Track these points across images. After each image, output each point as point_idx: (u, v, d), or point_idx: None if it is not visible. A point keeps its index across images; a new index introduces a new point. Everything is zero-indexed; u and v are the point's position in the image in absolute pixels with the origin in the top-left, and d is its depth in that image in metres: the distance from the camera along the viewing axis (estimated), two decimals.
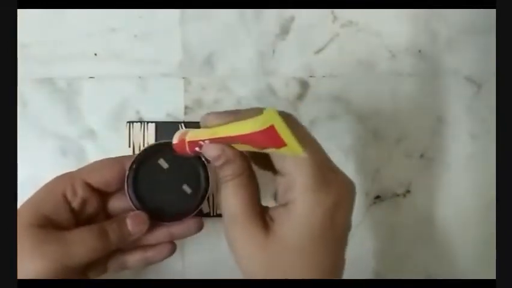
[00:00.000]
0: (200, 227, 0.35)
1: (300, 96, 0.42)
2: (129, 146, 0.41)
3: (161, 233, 0.34)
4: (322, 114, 0.42)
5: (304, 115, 0.42)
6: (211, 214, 0.40)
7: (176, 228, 0.34)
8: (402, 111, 0.43)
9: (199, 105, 0.42)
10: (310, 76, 0.42)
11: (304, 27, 0.42)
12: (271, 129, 0.25)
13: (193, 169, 0.33)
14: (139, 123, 0.41)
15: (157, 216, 0.33)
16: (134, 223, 0.32)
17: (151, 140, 0.41)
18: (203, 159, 0.33)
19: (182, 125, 0.41)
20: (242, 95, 0.42)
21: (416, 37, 0.43)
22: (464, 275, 0.42)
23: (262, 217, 0.28)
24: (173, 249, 0.35)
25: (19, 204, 0.38)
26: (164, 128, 0.41)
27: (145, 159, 0.33)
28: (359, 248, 0.41)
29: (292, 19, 0.42)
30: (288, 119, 0.27)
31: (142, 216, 0.33)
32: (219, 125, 0.29)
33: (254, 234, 0.28)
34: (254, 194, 0.29)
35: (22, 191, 0.40)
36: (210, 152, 0.29)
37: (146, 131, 0.41)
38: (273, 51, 0.42)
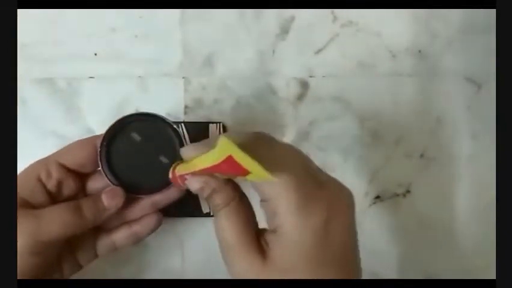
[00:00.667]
0: (182, 192, 0.34)
1: (300, 96, 0.42)
2: None
3: (144, 204, 0.34)
4: (322, 114, 0.42)
5: (304, 115, 0.42)
6: (211, 214, 0.40)
7: (158, 197, 0.33)
8: (402, 111, 0.43)
9: (199, 105, 0.42)
10: (310, 76, 0.42)
11: (304, 27, 0.42)
12: (230, 159, 0.24)
13: (167, 138, 0.32)
14: None
15: (137, 190, 0.33)
16: (108, 197, 0.32)
17: None
18: (174, 126, 0.33)
19: (183, 125, 0.41)
20: (242, 94, 0.42)
21: (416, 37, 0.43)
22: (464, 275, 0.42)
23: (258, 242, 0.28)
24: (159, 220, 0.35)
25: None
26: None
27: (115, 134, 0.32)
28: (359, 248, 0.41)
29: (292, 19, 0.42)
30: (257, 142, 0.26)
31: (117, 190, 0.32)
32: (194, 157, 0.28)
33: (251, 261, 0.27)
34: (248, 219, 0.29)
35: None
36: (193, 186, 0.29)
37: None
38: (273, 51, 0.42)
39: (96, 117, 0.41)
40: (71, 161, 0.33)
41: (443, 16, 0.43)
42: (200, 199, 0.40)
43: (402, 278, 0.42)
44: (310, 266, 0.27)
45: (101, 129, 0.41)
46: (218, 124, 0.41)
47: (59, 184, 0.32)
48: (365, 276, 0.42)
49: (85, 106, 0.41)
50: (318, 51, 0.43)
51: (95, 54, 0.41)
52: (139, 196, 0.33)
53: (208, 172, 0.27)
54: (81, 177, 0.34)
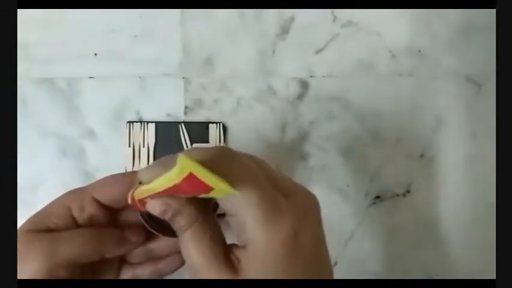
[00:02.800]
0: None
1: (300, 96, 0.42)
2: (129, 146, 0.41)
3: (172, 243, 0.33)
4: (322, 114, 0.42)
5: (304, 115, 0.42)
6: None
7: None
8: (402, 111, 0.43)
9: (199, 105, 0.42)
10: (310, 76, 0.42)
11: (304, 27, 0.42)
12: (191, 177, 0.23)
13: None
14: (139, 123, 0.41)
15: (169, 232, 0.32)
16: (133, 232, 0.32)
17: (151, 140, 0.41)
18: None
19: (183, 125, 0.41)
20: (242, 95, 0.42)
21: (416, 37, 0.43)
22: (464, 275, 0.42)
23: (228, 259, 0.27)
24: (183, 260, 0.35)
25: (21, 207, 0.38)
26: (164, 128, 0.41)
27: None
28: (359, 248, 0.41)
29: (292, 19, 0.42)
30: (218, 157, 0.26)
31: (142, 229, 0.32)
32: (151, 180, 0.27)
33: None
34: (214, 238, 0.28)
35: (22, 191, 0.40)
36: (154, 209, 0.28)
37: (146, 131, 0.41)
38: (273, 51, 0.42)
39: (96, 117, 0.41)
40: (105, 197, 0.32)
41: (443, 16, 0.43)
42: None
43: (402, 278, 0.42)
44: (283, 277, 0.26)
45: (101, 129, 0.41)
46: (218, 124, 0.41)
47: (91, 218, 0.32)
48: (365, 276, 0.42)
49: (85, 106, 0.41)
50: (318, 51, 0.42)
51: (95, 54, 0.41)
52: (170, 238, 0.33)
53: (169, 193, 0.27)
54: (113, 210, 0.33)
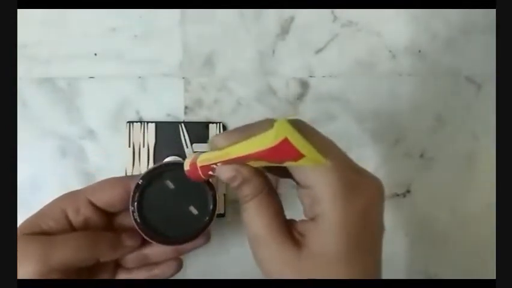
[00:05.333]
0: (207, 240, 0.34)
1: (300, 96, 0.42)
2: (129, 146, 0.41)
3: (167, 249, 0.34)
4: (322, 114, 0.42)
5: (304, 115, 0.42)
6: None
7: (182, 245, 0.33)
8: (402, 111, 0.43)
9: (199, 105, 0.42)
10: (310, 76, 0.42)
11: (304, 27, 0.42)
12: (285, 142, 0.24)
13: (200, 190, 0.32)
14: (139, 123, 0.41)
15: (162, 240, 0.32)
16: (129, 236, 0.32)
17: (151, 139, 0.41)
18: (210, 180, 0.32)
19: (183, 125, 0.41)
20: (242, 95, 0.42)
21: (416, 37, 0.43)
22: (464, 275, 0.42)
23: (291, 233, 0.27)
24: (179, 266, 0.34)
25: (21, 207, 0.38)
26: (164, 128, 0.41)
27: (151, 180, 0.32)
28: None
29: (292, 19, 0.42)
30: (302, 126, 0.26)
31: (138, 233, 0.32)
32: (230, 145, 0.27)
33: (285, 253, 0.27)
34: (278, 211, 0.28)
35: (22, 190, 0.40)
36: (224, 174, 0.28)
37: (146, 131, 0.41)
38: (273, 51, 0.42)
39: (96, 117, 0.41)
40: (101, 200, 0.32)
41: (443, 16, 0.43)
42: None
43: (402, 278, 0.42)
44: (350, 254, 0.26)
45: (101, 129, 0.41)
46: (218, 124, 0.41)
47: (86, 220, 0.32)
48: None
49: (85, 106, 0.41)
50: (318, 51, 0.43)
51: (95, 54, 0.41)
52: (165, 245, 0.33)
53: (242, 161, 0.27)
54: (108, 214, 0.33)
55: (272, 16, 0.42)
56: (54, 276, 0.29)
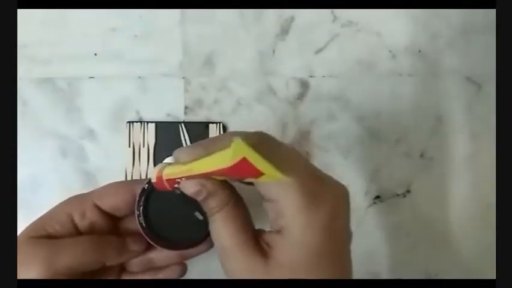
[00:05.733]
0: (211, 245, 0.33)
1: (300, 96, 0.42)
2: (129, 146, 0.41)
3: (172, 254, 0.34)
4: (322, 114, 0.42)
5: (304, 115, 0.42)
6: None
7: (187, 250, 0.33)
8: (402, 111, 0.43)
9: (199, 105, 0.42)
10: (310, 76, 0.42)
11: (304, 27, 0.42)
12: (244, 161, 0.23)
13: None
14: (139, 123, 0.41)
15: (168, 244, 0.32)
16: (134, 241, 0.32)
17: (151, 140, 0.41)
18: None
19: (183, 125, 0.41)
20: (242, 95, 0.42)
21: (416, 37, 0.43)
22: (464, 275, 0.42)
23: (258, 244, 0.28)
24: (184, 271, 0.34)
25: (21, 207, 0.38)
26: (164, 128, 0.41)
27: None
28: (359, 248, 0.41)
29: (292, 19, 0.42)
30: (265, 139, 0.26)
31: (143, 238, 0.32)
32: (192, 161, 0.27)
33: (252, 264, 0.27)
34: (245, 222, 0.28)
35: (22, 190, 0.40)
36: (188, 189, 0.28)
37: (146, 131, 0.41)
38: (273, 51, 0.42)
39: (96, 117, 0.41)
40: (107, 204, 0.32)
41: (443, 16, 0.43)
42: None
43: (402, 278, 0.42)
44: (316, 263, 0.27)
45: (101, 129, 0.41)
46: (218, 124, 0.41)
47: (91, 224, 0.32)
48: (365, 276, 0.42)
49: (85, 106, 0.41)
50: (318, 51, 0.42)
51: (95, 54, 0.41)
52: (170, 250, 0.33)
53: (204, 177, 0.27)
54: (113, 218, 0.33)
55: (272, 16, 0.42)
56: (57, 277, 0.29)
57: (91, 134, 0.41)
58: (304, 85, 0.42)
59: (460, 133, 0.43)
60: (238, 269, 0.28)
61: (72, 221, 0.31)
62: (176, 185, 0.29)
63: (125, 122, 0.41)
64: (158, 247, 0.32)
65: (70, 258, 0.30)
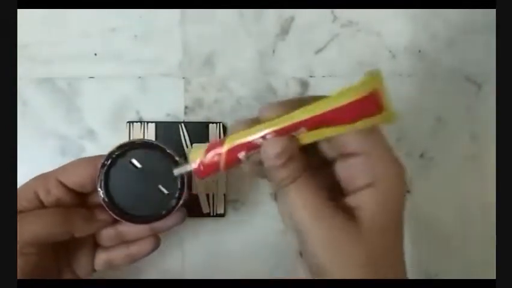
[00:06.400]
0: (183, 219, 0.34)
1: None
2: None
3: (142, 227, 0.34)
4: None
5: None
6: (211, 214, 0.40)
7: (156, 223, 0.33)
8: (402, 111, 0.42)
9: (199, 105, 0.42)
10: (310, 76, 0.42)
11: (304, 27, 0.42)
12: (374, 94, 0.23)
13: (168, 169, 0.32)
14: (139, 123, 0.41)
15: (130, 218, 0.32)
16: (102, 210, 0.32)
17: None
18: (176, 158, 0.32)
19: (183, 125, 0.41)
20: (242, 95, 0.42)
21: (416, 37, 0.43)
22: (464, 275, 0.42)
23: (343, 210, 0.26)
24: (156, 243, 0.34)
25: None
26: (164, 128, 0.41)
27: (116, 158, 0.32)
28: None
29: (292, 19, 0.42)
30: None
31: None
32: (289, 111, 0.25)
33: (346, 229, 0.25)
34: (323, 189, 0.26)
35: None
36: (274, 147, 0.25)
37: (146, 131, 0.41)
38: (273, 51, 0.42)
39: (96, 117, 0.41)
40: (70, 181, 0.32)
41: (443, 16, 0.43)
42: (200, 199, 0.40)
43: (402, 278, 0.42)
44: (400, 223, 0.26)
45: (101, 129, 0.41)
46: (218, 124, 0.41)
47: (58, 201, 0.32)
48: None
49: (85, 106, 0.41)
50: (318, 51, 0.42)
51: (95, 54, 0.41)
52: (134, 224, 0.33)
53: (293, 130, 0.25)
54: (80, 194, 0.33)
55: (272, 16, 0.42)
56: (28, 249, 0.30)
57: (91, 134, 0.41)
58: (304, 85, 0.42)
59: (459, 133, 0.43)
60: (327, 241, 0.25)
61: (38, 198, 0.32)
62: (242, 154, 0.26)
63: (125, 122, 0.41)
64: (122, 221, 0.32)
65: (37, 228, 0.30)
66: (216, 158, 0.27)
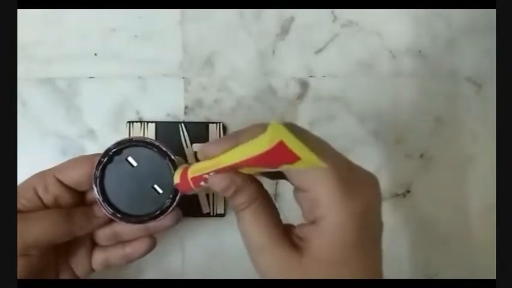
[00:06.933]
0: (177, 220, 0.33)
1: (300, 96, 0.42)
2: None
3: (137, 227, 0.34)
4: (322, 114, 0.42)
5: (304, 115, 0.42)
6: (211, 214, 0.40)
7: (151, 223, 0.33)
8: (402, 111, 0.43)
9: (199, 105, 0.42)
10: (310, 76, 0.42)
11: (304, 27, 0.42)
12: (281, 145, 0.23)
13: (164, 169, 0.31)
14: (139, 123, 0.41)
15: (124, 218, 0.32)
16: (99, 207, 0.32)
17: None
18: (173, 157, 0.32)
19: (183, 125, 0.41)
20: (242, 95, 0.42)
21: (416, 37, 0.43)
22: (464, 275, 0.42)
23: (290, 238, 0.27)
24: (151, 244, 0.34)
25: None
26: (164, 128, 0.41)
27: (112, 156, 0.32)
28: None
29: (292, 19, 0.42)
30: (294, 128, 0.25)
31: None
32: (221, 153, 0.27)
33: (288, 261, 0.26)
34: (275, 217, 0.28)
35: None
36: (218, 184, 0.27)
37: (146, 131, 0.41)
38: (273, 51, 0.42)
39: (96, 117, 0.41)
40: (67, 178, 0.32)
41: (443, 16, 0.43)
42: (200, 199, 0.40)
43: (402, 278, 0.42)
44: (353, 256, 0.26)
45: (101, 129, 0.41)
46: (218, 124, 0.41)
47: (56, 198, 0.32)
48: None
49: (85, 106, 0.41)
50: (318, 51, 0.42)
51: (95, 54, 0.41)
52: (127, 223, 0.33)
53: (235, 168, 0.26)
54: (78, 192, 0.33)
55: (272, 16, 0.42)
56: (31, 252, 0.30)
57: (91, 134, 0.41)
58: (304, 85, 0.42)
59: (460, 133, 0.43)
60: (273, 267, 0.27)
61: (37, 194, 0.32)
62: (202, 183, 0.28)
63: (125, 122, 0.41)
64: (116, 220, 0.32)
65: (40, 231, 0.30)
66: (186, 181, 0.29)
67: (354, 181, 0.26)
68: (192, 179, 0.29)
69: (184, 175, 0.29)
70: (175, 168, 0.31)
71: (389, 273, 0.42)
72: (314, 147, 0.24)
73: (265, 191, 0.29)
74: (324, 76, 0.42)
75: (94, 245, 0.34)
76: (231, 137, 0.27)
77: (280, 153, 0.23)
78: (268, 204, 0.28)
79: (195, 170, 0.28)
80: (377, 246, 0.28)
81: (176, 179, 0.30)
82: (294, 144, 0.23)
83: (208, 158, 0.27)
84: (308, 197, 0.26)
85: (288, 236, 0.27)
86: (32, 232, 0.30)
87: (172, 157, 0.32)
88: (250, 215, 0.27)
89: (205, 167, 0.27)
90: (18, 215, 0.30)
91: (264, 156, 0.24)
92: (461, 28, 0.43)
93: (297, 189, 0.27)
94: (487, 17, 0.43)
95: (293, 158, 0.23)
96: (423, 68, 0.43)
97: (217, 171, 0.27)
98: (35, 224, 0.30)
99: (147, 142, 0.32)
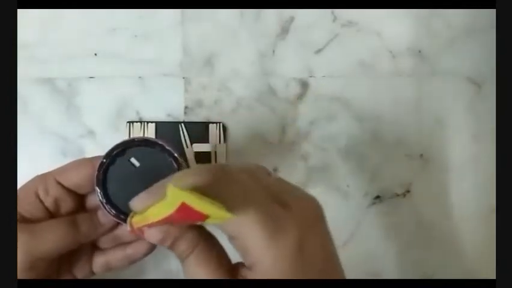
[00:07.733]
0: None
1: (300, 96, 0.42)
2: None
3: None
4: (322, 114, 0.42)
5: (304, 115, 0.42)
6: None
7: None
8: (402, 112, 0.43)
9: (199, 105, 0.42)
10: (310, 76, 0.42)
11: (304, 27, 0.42)
12: (184, 207, 0.22)
13: (167, 168, 0.31)
14: (139, 123, 0.41)
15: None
16: (104, 214, 0.32)
17: None
18: (175, 154, 0.31)
19: (183, 125, 0.41)
20: (242, 95, 0.42)
21: (416, 37, 0.43)
22: (464, 275, 0.42)
23: (236, 278, 0.27)
24: (152, 245, 0.34)
25: None
26: (164, 128, 0.41)
27: (115, 157, 0.31)
28: (359, 248, 0.41)
29: (292, 19, 0.42)
30: (217, 179, 0.25)
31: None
32: (145, 209, 0.26)
33: None
34: (219, 260, 0.27)
35: None
36: (153, 238, 0.27)
37: (146, 131, 0.41)
38: (273, 51, 0.42)
39: (96, 117, 0.41)
40: (68, 181, 0.32)
41: (443, 16, 0.43)
42: None
43: (402, 278, 0.42)
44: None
45: (101, 129, 0.41)
46: (218, 124, 0.41)
47: (57, 201, 0.32)
48: (365, 276, 0.42)
49: (84, 106, 0.41)
50: (318, 51, 0.42)
51: (95, 54, 0.41)
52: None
53: (165, 222, 0.25)
54: (79, 194, 0.33)
55: (272, 16, 0.42)
56: (39, 264, 0.30)
57: (91, 134, 0.41)
58: (304, 85, 0.42)
59: (460, 133, 0.43)
60: None
61: (39, 197, 0.31)
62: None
63: (125, 122, 0.41)
64: (120, 222, 0.32)
65: (49, 243, 0.30)
66: (134, 229, 0.29)
67: (283, 219, 0.25)
68: (137, 229, 0.28)
69: (131, 224, 0.28)
70: (179, 166, 0.31)
71: (389, 273, 0.42)
72: (236, 195, 0.24)
73: (208, 234, 0.28)
74: (324, 76, 0.42)
75: (94, 248, 0.34)
76: (153, 192, 0.26)
77: (187, 214, 0.23)
78: (212, 247, 0.28)
79: (135, 221, 0.27)
80: (329, 266, 0.27)
81: (128, 228, 0.29)
82: (196, 203, 0.22)
83: (138, 212, 0.27)
84: (238, 244, 0.26)
85: (234, 275, 0.27)
86: (40, 246, 0.30)
87: (175, 155, 0.31)
88: (194, 260, 0.27)
89: (139, 221, 0.27)
90: (25, 228, 0.30)
91: (174, 217, 0.23)
92: (461, 28, 0.43)
93: (228, 238, 0.27)
94: (487, 17, 0.43)
95: (201, 216, 0.23)
96: (423, 68, 0.43)
97: (150, 226, 0.26)
98: (42, 237, 0.30)
99: (150, 141, 0.32)
